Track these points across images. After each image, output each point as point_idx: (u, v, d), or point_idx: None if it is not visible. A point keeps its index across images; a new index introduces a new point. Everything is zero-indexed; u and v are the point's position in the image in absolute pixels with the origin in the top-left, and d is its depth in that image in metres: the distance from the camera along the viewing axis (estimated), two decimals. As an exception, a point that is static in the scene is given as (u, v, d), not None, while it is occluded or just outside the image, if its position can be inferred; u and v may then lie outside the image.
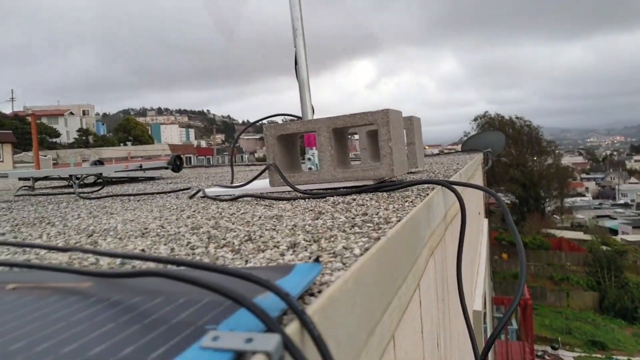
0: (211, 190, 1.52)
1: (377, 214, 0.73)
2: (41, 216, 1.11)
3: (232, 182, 2.03)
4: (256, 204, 1.06)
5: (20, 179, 3.37)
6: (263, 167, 1.55)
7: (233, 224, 0.74)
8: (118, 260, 0.54)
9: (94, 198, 1.74)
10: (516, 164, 33.10)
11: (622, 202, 58.09)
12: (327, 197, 1.09)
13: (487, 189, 1.16)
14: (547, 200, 37.14)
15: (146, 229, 0.76)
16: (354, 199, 0.98)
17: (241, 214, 0.87)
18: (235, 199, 1.26)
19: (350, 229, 0.59)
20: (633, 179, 66.64)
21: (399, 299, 0.55)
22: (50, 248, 0.60)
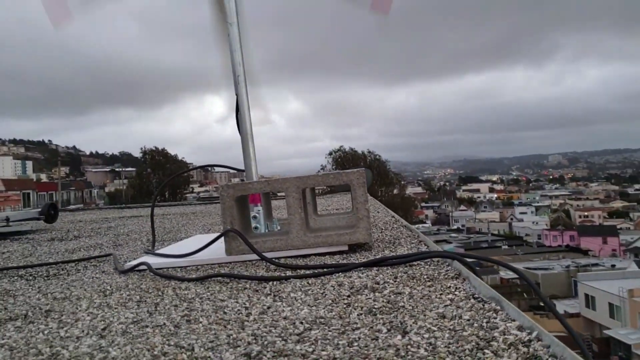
0: (155, 262, 1.24)
1: (420, 333, 0.57)
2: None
3: (153, 247, 1.74)
4: (226, 285, 0.87)
5: None
6: (219, 234, 1.32)
7: (211, 347, 0.57)
8: None
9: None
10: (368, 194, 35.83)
11: (455, 227, 66.46)
12: (315, 276, 0.95)
13: (513, 267, 1.12)
14: (395, 228, 41.04)
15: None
16: (353, 282, 0.86)
17: (216, 314, 0.68)
18: (201, 279, 1.03)
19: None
20: (462, 207, 77.03)
21: None
22: None
